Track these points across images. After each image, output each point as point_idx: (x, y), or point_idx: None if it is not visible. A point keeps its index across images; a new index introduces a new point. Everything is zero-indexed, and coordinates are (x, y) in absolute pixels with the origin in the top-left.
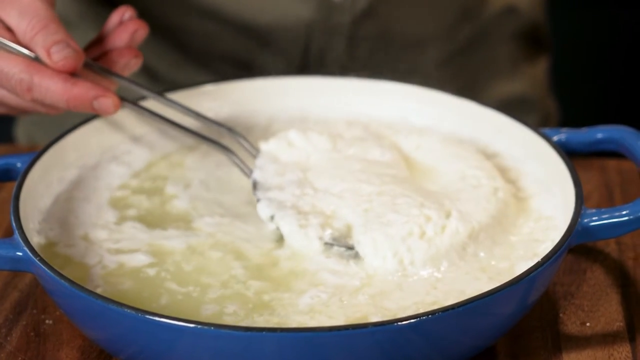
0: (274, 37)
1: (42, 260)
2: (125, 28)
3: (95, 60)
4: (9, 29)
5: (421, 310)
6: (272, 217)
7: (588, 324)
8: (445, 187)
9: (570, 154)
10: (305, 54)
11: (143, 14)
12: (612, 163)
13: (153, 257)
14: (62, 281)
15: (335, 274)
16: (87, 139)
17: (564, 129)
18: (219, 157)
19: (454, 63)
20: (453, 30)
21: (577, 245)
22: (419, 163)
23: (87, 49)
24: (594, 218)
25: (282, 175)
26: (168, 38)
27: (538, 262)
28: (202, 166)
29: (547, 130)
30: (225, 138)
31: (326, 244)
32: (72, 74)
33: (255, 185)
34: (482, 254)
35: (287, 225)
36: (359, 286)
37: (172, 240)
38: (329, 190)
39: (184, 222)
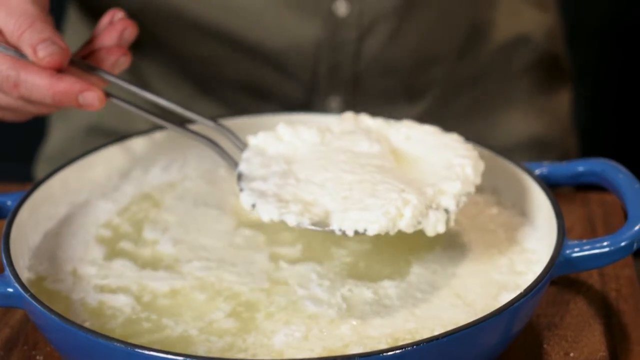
0: (282, 58)
1: (32, 296)
2: (114, 27)
3: (84, 59)
4: None
5: (401, 339)
6: (253, 206)
7: (572, 354)
8: (430, 175)
9: (552, 187)
10: (314, 76)
11: (151, 40)
12: (594, 196)
13: (137, 296)
14: (53, 316)
15: (316, 303)
16: (76, 176)
17: (546, 162)
18: (197, 192)
19: (465, 94)
20: (461, 52)
21: (560, 277)
22: (407, 153)
23: (78, 49)
24: (575, 249)
25: (267, 167)
26: (176, 65)
27: (521, 293)
28: (180, 205)
29: (529, 164)
30: (213, 134)
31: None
32: (59, 71)
33: (239, 177)
34: (456, 283)
35: (267, 213)
36: (338, 315)
37: (158, 282)
38: (311, 180)
39: (171, 266)
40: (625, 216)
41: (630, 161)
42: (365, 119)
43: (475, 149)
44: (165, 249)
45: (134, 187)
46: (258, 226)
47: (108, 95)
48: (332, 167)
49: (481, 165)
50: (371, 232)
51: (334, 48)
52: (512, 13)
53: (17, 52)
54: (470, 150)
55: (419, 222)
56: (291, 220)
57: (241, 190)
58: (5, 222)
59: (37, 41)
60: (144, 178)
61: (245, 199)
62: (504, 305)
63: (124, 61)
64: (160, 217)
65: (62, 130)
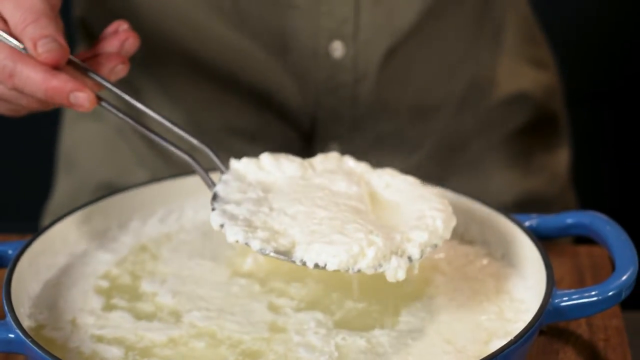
0: (282, 101)
1: (33, 341)
2: (117, 36)
3: (84, 61)
4: (4, 20)
5: None
6: (221, 226)
7: None
8: (401, 223)
9: (542, 239)
10: (313, 121)
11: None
12: (583, 249)
13: (132, 347)
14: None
15: (309, 351)
16: (75, 227)
17: (535, 215)
18: (192, 244)
19: (463, 148)
20: (460, 106)
21: (549, 327)
22: (384, 200)
23: (80, 53)
24: (564, 298)
25: (244, 192)
26: (179, 106)
27: (512, 339)
28: (176, 258)
29: (518, 216)
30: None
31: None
32: (56, 69)
33: (214, 197)
34: (447, 331)
35: (233, 234)
36: None
37: (155, 332)
38: (284, 211)
39: (171, 317)
40: (613, 268)
41: (629, 217)
42: (349, 161)
43: (466, 200)
44: (165, 300)
45: (132, 238)
46: (253, 276)
47: (99, 99)
48: (307, 201)
49: (453, 221)
50: (330, 267)
51: (331, 91)
52: (512, 71)
53: (19, 44)
54: (445, 205)
55: (380, 265)
56: (255, 246)
57: (213, 209)
58: (6, 271)
59: (39, 36)
60: (141, 229)
61: (215, 219)
62: (496, 351)
63: (121, 69)
64: (157, 269)
65: (67, 185)
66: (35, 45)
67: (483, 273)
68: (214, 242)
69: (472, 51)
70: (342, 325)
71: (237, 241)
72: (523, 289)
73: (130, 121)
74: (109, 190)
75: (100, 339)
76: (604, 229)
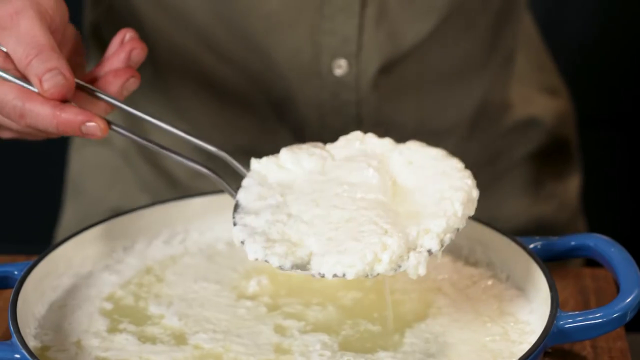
0: (289, 120)
1: None
2: (123, 48)
3: (93, 82)
4: (8, 56)
5: None
6: (242, 242)
7: None
8: (421, 209)
9: (547, 261)
10: (321, 139)
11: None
12: (587, 270)
13: None
14: None
15: None
16: (80, 248)
17: (538, 237)
18: (197, 268)
19: (473, 173)
20: (470, 131)
21: (554, 349)
22: (405, 183)
23: (89, 72)
24: (569, 320)
25: (263, 199)
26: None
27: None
28: (181, 281)
29: (523, 238)
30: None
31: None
32: (65, 100)
33: (236, 207)
34: (451, 352)
35: (253, 253)
36: None
37: (160, 355)
38: (301, 217)
39: (178, 340)
40: (618, 290)
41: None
42: (372, 140)
43: (471, 222)
44: (172, 322)
45: (137, 260)
46: (258, 298)
47: (109, 123)
48: (324, 202)
49: (474, 194)
50: (349, 276)
51: (336, 111)
52: (523, 97)
53: (25, 81)
54: (466, 181)
55: (399, 266)
56: (274, 262)
57: (234, 224)
58: (12, 292)
59: (43, 71)
60: (146, 251)
61: (236, 235)
62: None
63: (132, 83)
64: (162, 292)
65: (74, 211)
66: (41, 82)
67: (487, 294)
68: (218, 265)
69: (482, 76)
70: (347, 347)
71: (256, 259)
72: (528, 311)
73: (142, 141)
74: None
75: None
76: (608, 251)
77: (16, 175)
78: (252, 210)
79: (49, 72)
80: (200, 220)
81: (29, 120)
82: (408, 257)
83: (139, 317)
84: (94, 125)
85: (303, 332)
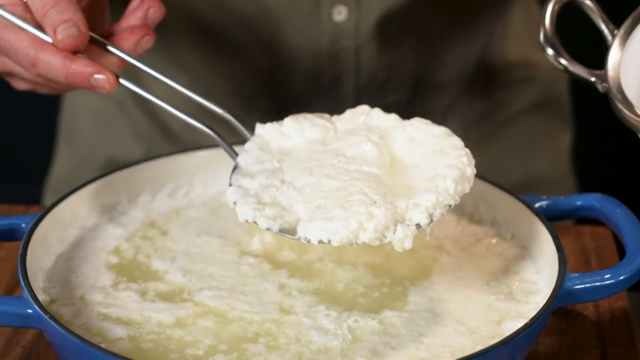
0: (286, 68)
1: (52, 317)
2: (140, 7)
3: (109, 37)
4: (27, 5)
5: None
6: (234, 203)
7: None
8: (415, 184)
9: (550, 221)
10: (316, 90)
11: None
12: (587, 229)
13: (138, 327)
14: (72, 337)
15: (321, 334)
16: (86, 200)
17: (545, 197)
18: (200, 221)
19: (468, 129)
20: (466, 85)
21: (557, 308)
22: (403, 158)
23: (108, 27)
24: (577, 282)
25: (261, 163)
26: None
27: (528, 322)
28: (184, 235)
29: (528, 197)
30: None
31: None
32: (77, 52)
33: (234, 169)
34: (457, 311)
35: (242, 215)
36: (349, 346)
37: (161, 313)
38: (293, 183)
39: (182, 296)
40: (618, 249)
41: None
42: (378, 115)
43: (475, 179)
44: (176, 278)
45: (141, 213)
46: (262, 255)
47: (119, 78)
48: (318, 170)
49: (469, 172)
50: (334, 242)
51: (334, 57)
52: (518, 52)
53: (41, 30)
54: (462, 159)
55: (385, 236)
56: (262, 224)
57: (230, 184)
58: (21, 244)
59: (58, 22)
60: (150, 204)
61: (230, 196)
62: (513, 334)
63: (146, 40)
64: (166, 246)
65: (67, 158)
66: (55, 32)
67: (491, 253)
68: (222, 219)
69: (479, 29)
70: (352, 307)
71: (246, 220)
72: (533, 271)
73: (150, 96)
74: (109, 164)
75: (106, 317)
76: (614, 212)
77: (8, 119)
78: (249, 173)
79: (64, 23)
80: (205, 173)
81: (40, 69)
82: (395, 229)
83: (143, 272)
84: (102, 78)
85: (307, 292)
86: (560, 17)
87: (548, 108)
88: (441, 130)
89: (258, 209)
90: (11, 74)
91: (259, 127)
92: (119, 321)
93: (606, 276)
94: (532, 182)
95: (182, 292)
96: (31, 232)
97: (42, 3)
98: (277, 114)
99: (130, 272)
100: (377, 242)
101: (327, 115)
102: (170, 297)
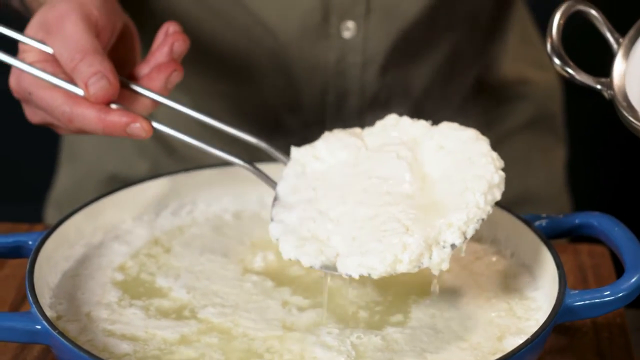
0: (290, 85)
1: (60, 333)
2: (165, 42)
3: (140, 79)
4: (56, 60)
5: None
6: (277, 240)
7: None
8: (446, 200)
9: (549, 238)
10: (322, 107)
11: None
12: (584, 247)
13: (143, 344)
14: (81, 352)
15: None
16: (91, 218)
17: (544, 215)
18: (203, 239)
19: None
20: (463, 102)
21: (556, 325)
22: (434, 169)
23: (137, 67)
24: (577, 298)
25: (297, 192)
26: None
27: (530, 338)
28: (188, 252)
29: (528, 216)
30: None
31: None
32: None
33: (274, 199)
34: (458, 327)
35: (286, 253)
36: None
37: (166, 330)
38: (328, 214)
39: (186, 313)
40: (615, 268)
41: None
42: (406, 122)
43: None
44: (180, 295)
45: (146, 231)
46: (264, 273)
47: (153, 123)
48: (351, 197)
49: (496, 179)
50: (374, 276)
51: (340, 74)
52: (513, 70)
53: (73, 83)
54: (488, 166)
55: (422, 263)
56: (305, 262)
57: (272, 219)
58: (28, 262)
59: (88, 75)
60: (155, 222)
61: (272, 232)
62: (515, 349)
63: (175, 76)
64: (170, 263)
65: (70, 174)
66: (87, 87)
67: (491, 270)
68: (225, 237)
69: (481, 49)
70: (355, 323)
71: (290, 259)
72: (533, 288)
73: (183, 136)
74: (112, 179)
75: (111, 334)
76: (613, 230)
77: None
78: (287, 205)
79: (94, 76)
80: (208, 192)
81: (77, 124)
82: (431, 253)
83: (148, 289)
84: (138, 127)
85: (309, 308)
86: (565, 27)
87: (543, 125)
88: (468, 135)
89: (299, 245)
90: (53, 126)
91: (294, 151)
92: (124, 337)
93: (605, 293)
94: (528, 198)
95: (186, 309)
96: (38, 249)
97: (70, 57)
98: (284, 131)
99: (135, 289)
100: (416, 269)
101: (358, 130)
102: (174, 314)
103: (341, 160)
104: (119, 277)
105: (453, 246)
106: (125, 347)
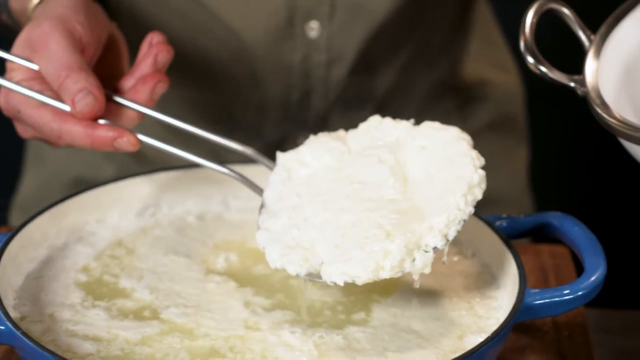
0: (257, 82)
1: (24, 333)
2: (149, 53)
3: (125, 91)
4: (43, 77)
5: None
6: (264, 248)
7: None
8: (428, 203)
9: (510, 238)
10: (286, 104)
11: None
12: (545, 248)
13: (102, 344)
14: (45, 353)
15: (288, 350)
16: (55, 220)
17: (505, 215)
18: (167, 242)
19: None
20: (424, 104)
21: (517, 324)
22: (416, 171)
23: (122, 79)
24: (537, 297)
25: (282, 200)
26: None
27: (490, 336)
28: (151, 254)
29: (488, 217)
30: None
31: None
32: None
33: (261, 206)
34: (419, 326)
35: (272, 262)
36: None
37: (128, 331)
38: (311, 221)
39: (149, 314)
40: (576, 268)
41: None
42: (388, 123)
43: None
44: (143, 296)
45: (110, 232)
46: (227, 273)
47: (139, 136)
48: (333, 204)
49: (475, 179)
50: (359, 283)
51: (305, 74)
52: (474, 72)
53: (60, 100)
54: (467, 167)
55: (404, 269)
56: (291, 270)
57: (258, 227)
58: None
59: (75, 92)
60: (119, 224)
61: (259, 240)
62: (475, 347)
63: (160, 87)
64: (133, 265)
65: (35, 178)
66: (73, 103)
67: (452, 270)
68: (188, 238)
69: (445, 50)
70: (317, 323)
71: (276, 268)
72: (494, 287)
73: (166, 147)
74: (77, 183)
75: (74, 334)
76: (572, 230)
77: None
78: (273, 212)
79: (80, 92)
80: (171, 194)
81: (66, 140)
82: (413, 258)
83: (111, 290)
84: (125, 141)
85: (272, 309)
86: (538, 25)
87: (505, 126)
88: (449, 134)
89: (284, 254)
90: (44, 141)
91: (280, 156)
92: (87, 338)
93: (565, 292)
94: (490, 199)
95: (149, 309)
96: (2, 251)
97: (55, 75)
98: (248, 130)
99: (99, 290)
100: (399, 274)
101: (342, 133)
102: (137, 314)
103: (325, 164)
104: (83, 278)
105: (435, 249)
106: (88, 347)
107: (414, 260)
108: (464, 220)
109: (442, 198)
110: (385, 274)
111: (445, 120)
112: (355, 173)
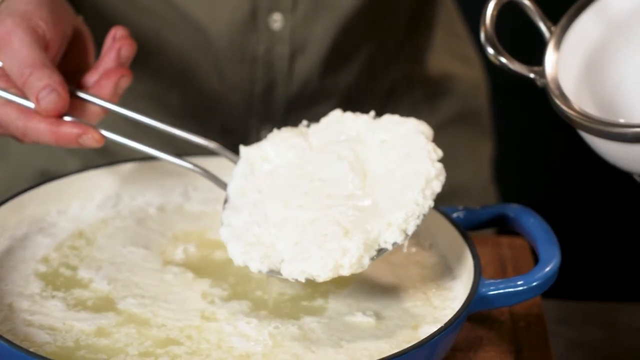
0: (218, 77)
1: None
2: (112, 47)
3: (89, 87)
4: (5, 74)
5: None
6: (227, 244)
7: None
8: (387, 198)
9: (469, 230)
10: (250, 97)
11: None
12: (504, 239)
13: (58, 334)
14: (3, 342)
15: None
16: (16, 211)
17: (461, 207)
18: (126, 233)
19: None
20: (387, 97)
21: (474, 315)
22: (376, 166)
23: (87, 74)
24: (491, 287)
25: (245, 195)
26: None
27: (443, 326)
28: (110, 245)
29: (446, 208)
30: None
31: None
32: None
33: (225, 202)
34: (375, 316)
35: (235, 259)
36: (271, 351)
37: (83, 322)
38: (272, 219)
39: (106, 304)
40: (534, 259)
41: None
42: (348, 119)
43: None
44: (101, 286)
45: (70, 223)
46: (185, 264)
47: (103, 132)
48: (293, 201)
49: (432, 173)
50: (320, 280)
51: (268, 65)
52: (437, 65)
53: (25, 98)
54: (424, 160)
55: (363, 265)
56: (252, 267)
57: (222, 223)
58: None
59: (38, 90)
60: (80, 215)
61: (222, 236)
62: (429, 336)
63: (124, 81)
64: (93, 255)
65: (1, 171)
66: (38, 101)
67: (409, 261)
68: (147, 229)
69: (408, 43)
70: (273, 314)
71: (239, 265)
72: (450, 278)
73: (134, 144)
74: (42, 176)
75: (31, 324)
76: (528, 222)
77: None
78: (235, 208)
79: (44, 89)
80: (132, 185)
81: (31, 137)
82: (372, 255)
83: (69, 281)
84: (89, 137)
85: (229, 300)
86: (499, 17)
87: (468, 120)
88: (408, 127)
89: (246, 251)
90: (13, 138)
91: (243, 150)
92: (43, 327)
93: (519, 282)
94: (454, 193)
95: (106, 299)
96: None
97: (19, 72)
98: (212, 123)
99: (58, 280)
100: (360, 270)
101: (304, 129)
102: (94, 305)
103: (287, 160)
104: (42, 268)
105: (395, 244)
106: (45, 336)
107: (373, 256)
108: (424, 215)
109: (400, 193)
110: (345, 272)
111: (413, 113)
112: (316, 170)
